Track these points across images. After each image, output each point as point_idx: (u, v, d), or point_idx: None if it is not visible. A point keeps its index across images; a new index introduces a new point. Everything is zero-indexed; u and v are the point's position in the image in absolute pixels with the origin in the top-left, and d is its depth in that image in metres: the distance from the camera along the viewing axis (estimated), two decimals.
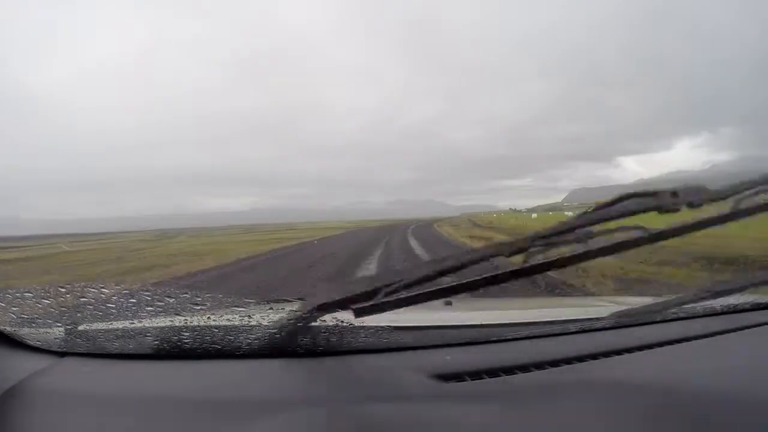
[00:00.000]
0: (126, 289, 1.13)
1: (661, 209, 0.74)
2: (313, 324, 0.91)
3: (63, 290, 1.12)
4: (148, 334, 0.88)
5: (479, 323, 1.05)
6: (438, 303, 1.02)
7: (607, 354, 0.87)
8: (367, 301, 0.71)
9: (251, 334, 0.87)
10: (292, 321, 0.87)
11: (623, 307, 1.14)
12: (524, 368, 0.80)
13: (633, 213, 0.74)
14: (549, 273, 0.73)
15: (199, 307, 1.07)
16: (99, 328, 0.95)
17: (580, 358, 0.85)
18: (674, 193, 0.73)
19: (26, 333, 0.91)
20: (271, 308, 1.10)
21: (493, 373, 0.79)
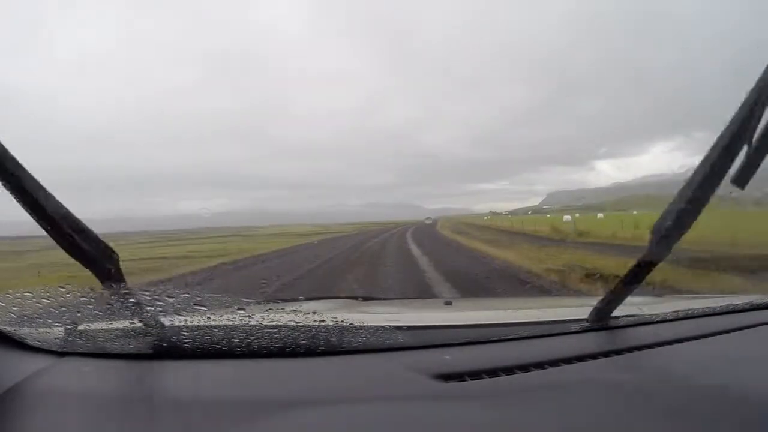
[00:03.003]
0: (126, 289, 1.13)
1: None
2: (313, 324, 0.91)
3: (63, 290, 1.12)
4: (148, 334, 0.88)
5: (479, 323, 1.05)
6: (438, 302, 1.02)
7: (607, 354, 0.87)
8: None
9: (251, 334, 0.87)
10: (290, 321, 0.87)
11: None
12: (524, 368, 0.80)
13: None
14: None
15: (199, 307, 1.07)
16: (99, 328, 0.95)
17: (580, 358, 0.85)
18: None
19: (26, 333, 0.91)
20: (270, 308, 1.10)
21: (493, 373, 0.79)
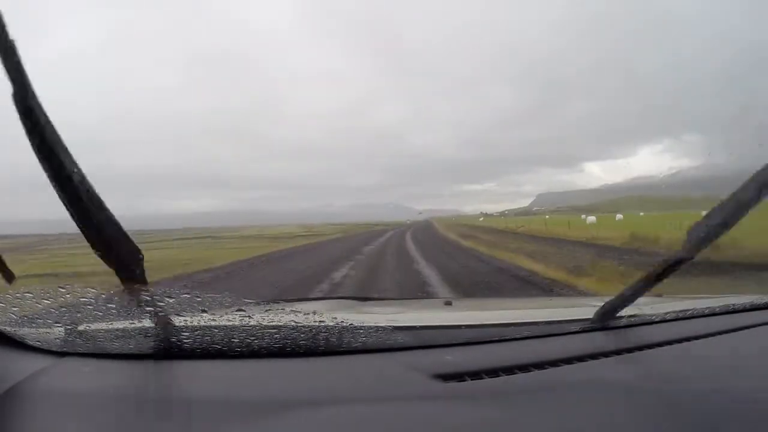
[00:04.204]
0: (126, 289, 1.13)
1: None
2: (313, 324, 0.91)
3: (63, 290, 1.12)
4: (148, 334, 0.88)
5: (479, 323, 1.05)
6: (438, 302, 1.02)
7: (606, 354, 0.87)
8: None
9: (251, 335, 0.87)
10: (290, 321, 0.87)
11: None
12: (524, 368, 0.80)
13: None
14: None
15: (199, 307, 1.07)
16: (99, 328, 0.95)
17: (580, 358, 0.85)
18: None
19: (26, 333, 0.91)
20: (270, 308, 1.10)
21: (493, 373, 0.79)
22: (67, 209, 0.71)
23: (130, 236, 0.76)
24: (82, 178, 0.71)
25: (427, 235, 27.16)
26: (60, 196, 0.70)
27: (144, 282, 0.82)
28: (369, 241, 24.24)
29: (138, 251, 0.79)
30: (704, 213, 0.87)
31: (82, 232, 0.73)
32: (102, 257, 0.75)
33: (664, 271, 0.92)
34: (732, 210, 0.83)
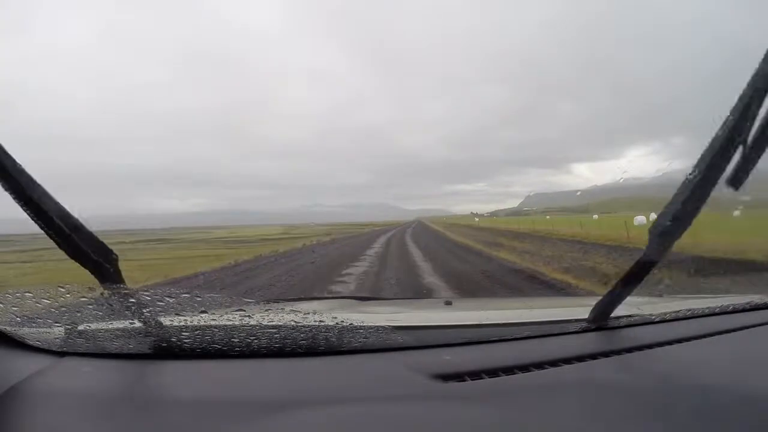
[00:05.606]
0: (126, 289, 1.14)
1: None
2: (313, 324, 0.91)
3: (63, 290, 1.12)
4: (148, 334, 0.88)
5: (479, 323, 1.05)
6: (438, 302, 1.02)
7: (606, 354, 0.87)
8: None
9: (251, 334, 0.87)
10: (290, 321, 0.87)
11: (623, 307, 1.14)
12: (524, 368, 0.80)
13: None
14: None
15: (199, 307, 1.07)
16: (99, 327, 0.95)
17: (580, 358, 0.85)
18: None
19: (26, 333, 0.91)
20: (270, 308, 1.10)
21: (493, 373, 0.79)
22: (29, 214, 0.73)
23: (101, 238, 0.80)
24: (31, 181, 0.72)
25: (434, 241, 20.47)
26: (16, 200, 0.72)
27: (120, 281, 0.85)
28: (358, 251, 16.97)
29: (111, 252, 0.82)
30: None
31: (50, 237, 0.75)
32: (76, 260, 0.78)
33: (639, 270, 0.92)
34: (682, 206, 0.82)
